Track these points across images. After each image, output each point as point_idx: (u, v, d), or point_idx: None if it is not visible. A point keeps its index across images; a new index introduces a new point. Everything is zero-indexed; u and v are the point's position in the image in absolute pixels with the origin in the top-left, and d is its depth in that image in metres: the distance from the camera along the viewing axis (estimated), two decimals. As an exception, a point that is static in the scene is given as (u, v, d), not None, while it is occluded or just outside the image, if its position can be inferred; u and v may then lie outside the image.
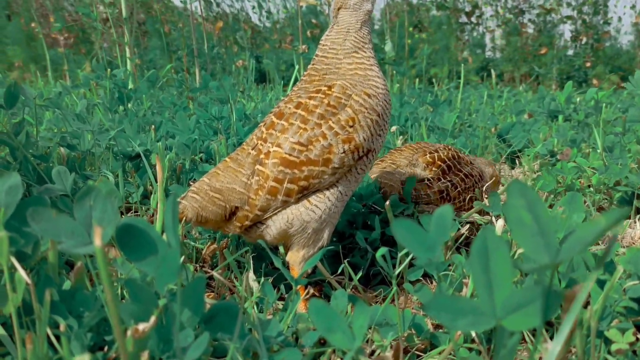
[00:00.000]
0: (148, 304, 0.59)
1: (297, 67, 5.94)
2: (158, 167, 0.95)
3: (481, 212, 1.40)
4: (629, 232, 1.39)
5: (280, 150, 1.00)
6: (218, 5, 11.52)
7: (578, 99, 2.51)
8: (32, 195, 0.70)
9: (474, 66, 11.26)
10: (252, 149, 1.04)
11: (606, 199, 1.54)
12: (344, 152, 1.02)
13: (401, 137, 2.25)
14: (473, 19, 10.92)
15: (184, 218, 1.01)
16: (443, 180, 1.41)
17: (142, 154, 1.43)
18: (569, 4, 9.48)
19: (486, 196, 1.49)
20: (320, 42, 1.13)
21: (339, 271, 1.11)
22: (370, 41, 1.12)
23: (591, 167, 1.60)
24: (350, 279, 1.10)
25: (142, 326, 0.57)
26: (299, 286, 1.00)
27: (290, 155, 1.00)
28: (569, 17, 9.34)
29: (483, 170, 1.55)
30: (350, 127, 1.03)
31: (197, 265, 1.20)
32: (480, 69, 11.38)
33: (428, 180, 1.40)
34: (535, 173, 1.83)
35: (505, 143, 2.13)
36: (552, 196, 1.52)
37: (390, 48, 5.40)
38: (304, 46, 8.00)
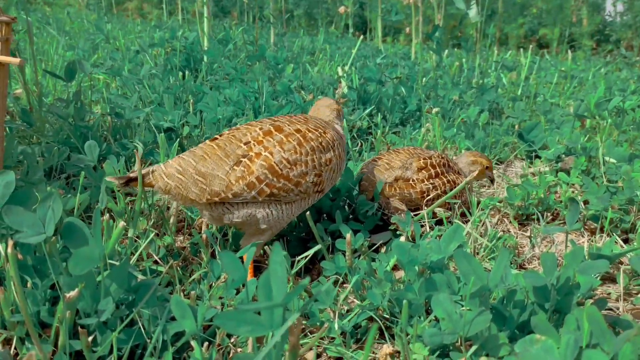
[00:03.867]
0: (76, 280, 0.86)
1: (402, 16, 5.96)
2: (137, 162, 1.21)
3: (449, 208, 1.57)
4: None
5: (271, 158, 1.21)
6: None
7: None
8: (22, 189, 0.98)
9: (589, 29, 10.58)
10: (244, 144, 1.23)
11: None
12: (312, 182, 1.26)
13: (428, 124, 2.38)
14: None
15: (167, 194, 1.21)
16: (426, 182, 1.58)
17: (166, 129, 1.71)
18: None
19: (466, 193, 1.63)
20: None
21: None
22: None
23: (570, 184, 1.69)
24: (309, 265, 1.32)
25: (70, 294, 0.85)
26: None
27: (277, 165, 1.21)
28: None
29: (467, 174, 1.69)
30: (326, 166, 1.29)
31: (189, 230, 1.48)
32: (595, 32, 10.66)
33: (413, 181, 1.58)
34: (534, 176, 1.93)
35: (525, 142, 2.21)
36: (524, 206, 1.64)
37: (475, 13, 5.30)
38: None
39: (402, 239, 1.14)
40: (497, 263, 0.91)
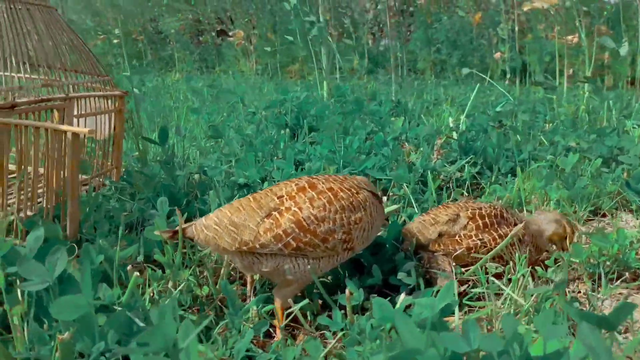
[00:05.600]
0: (69, 324, 0.98)
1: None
2: (180, 219, 1.33)
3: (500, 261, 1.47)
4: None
5: (300, 213, 1.28)
6: (483, -6, 11.36)
7: None
8: (51, 241, 1.14)
9: None
10: (277, 198, 1.32)
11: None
12: (340, 240, 1.30)
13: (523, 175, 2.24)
14: None
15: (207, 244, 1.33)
16: (474, 238, 1.50)
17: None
18: None
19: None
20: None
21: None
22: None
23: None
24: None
25: (63, 336, 0.97)
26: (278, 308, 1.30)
27: (304, 220, 1.27)
28: None
29: (539, 230, 1.56)
30: (356, 224, 1.32)
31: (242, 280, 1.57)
32: None
33: (459, 236, 1.51)
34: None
35: (631, 191, 1.96)
36: (595, 264, 1.46)
37: (626, 52, 4.88)
38: (572, 36, 7.56)
39: (402, 296, 1.10)
40: (463, 327, 0.85)
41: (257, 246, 1.27)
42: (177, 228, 1.36)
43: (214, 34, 11.89)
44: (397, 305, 1.07)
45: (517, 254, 1.41)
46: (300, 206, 1.28)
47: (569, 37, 7.40)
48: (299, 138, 2.81)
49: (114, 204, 1.81)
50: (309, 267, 1.30)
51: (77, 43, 1.97)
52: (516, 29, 6.06)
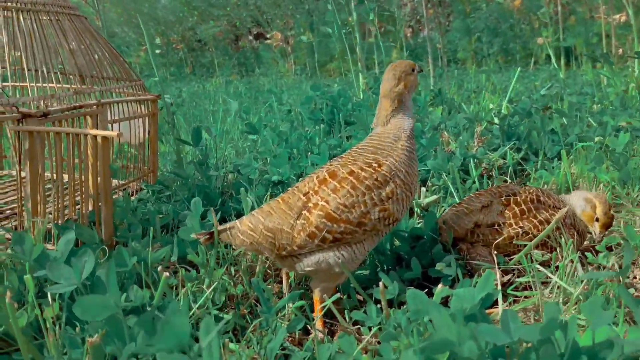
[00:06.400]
0: (97, 327, 0.97)
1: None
2: (214, 220, 1.32)
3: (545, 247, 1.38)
4: None
5: (328, 206, 1.24)
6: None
7: None
8: (84, 245, 1.14)
9: None
10: (303, 195, 1.29)
11: None
12: (378, 218, 1.25)
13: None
14: None
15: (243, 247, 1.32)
16: (515, 226, 1.42)
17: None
18: None
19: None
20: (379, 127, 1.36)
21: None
22: (413, 134, 1.35)
23: None
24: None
25: (92, 339, 0.96)
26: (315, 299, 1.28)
27: (334, 212, 1.24)
28: None
29: (576, 211, 1.47)
30: (389, 199, 1.26)
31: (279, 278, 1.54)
32: None
33: (499, 225, 1.43)
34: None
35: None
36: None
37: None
38: (619, 15, 7.27)
39: (439, 286, 1.05)
40: (503, 318, 0.79)
41: (295, 248, 1.25)
42: (212, 230, 1.34)
43: (251, 37, 11.98)
44: (435, 297, 1.01)
45: (562, 239, 1.33)
46: (327, 199, 1.24)
47: (616, 16, 7.07)
48: (334, 133, 2.77)
49: (149, 207, 1.81)
50: (354, 253, 1.26)
51: (108, 50, 1.99)
52: (559, 10, 5.84)
